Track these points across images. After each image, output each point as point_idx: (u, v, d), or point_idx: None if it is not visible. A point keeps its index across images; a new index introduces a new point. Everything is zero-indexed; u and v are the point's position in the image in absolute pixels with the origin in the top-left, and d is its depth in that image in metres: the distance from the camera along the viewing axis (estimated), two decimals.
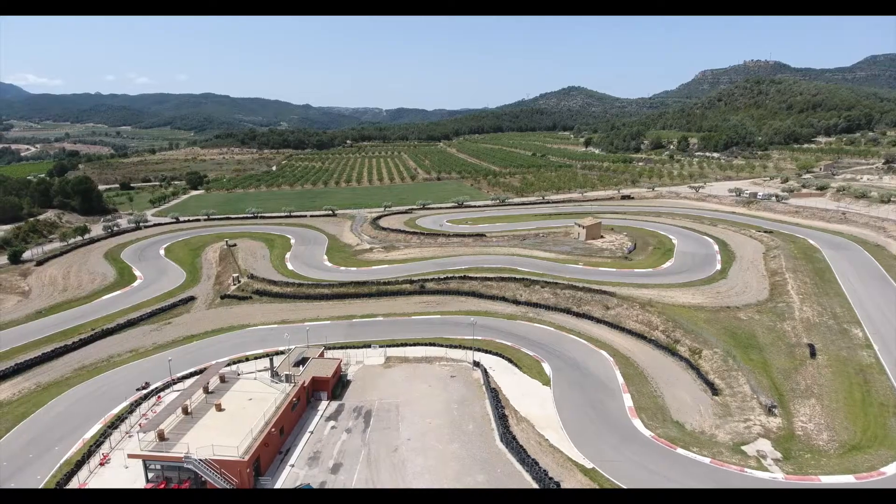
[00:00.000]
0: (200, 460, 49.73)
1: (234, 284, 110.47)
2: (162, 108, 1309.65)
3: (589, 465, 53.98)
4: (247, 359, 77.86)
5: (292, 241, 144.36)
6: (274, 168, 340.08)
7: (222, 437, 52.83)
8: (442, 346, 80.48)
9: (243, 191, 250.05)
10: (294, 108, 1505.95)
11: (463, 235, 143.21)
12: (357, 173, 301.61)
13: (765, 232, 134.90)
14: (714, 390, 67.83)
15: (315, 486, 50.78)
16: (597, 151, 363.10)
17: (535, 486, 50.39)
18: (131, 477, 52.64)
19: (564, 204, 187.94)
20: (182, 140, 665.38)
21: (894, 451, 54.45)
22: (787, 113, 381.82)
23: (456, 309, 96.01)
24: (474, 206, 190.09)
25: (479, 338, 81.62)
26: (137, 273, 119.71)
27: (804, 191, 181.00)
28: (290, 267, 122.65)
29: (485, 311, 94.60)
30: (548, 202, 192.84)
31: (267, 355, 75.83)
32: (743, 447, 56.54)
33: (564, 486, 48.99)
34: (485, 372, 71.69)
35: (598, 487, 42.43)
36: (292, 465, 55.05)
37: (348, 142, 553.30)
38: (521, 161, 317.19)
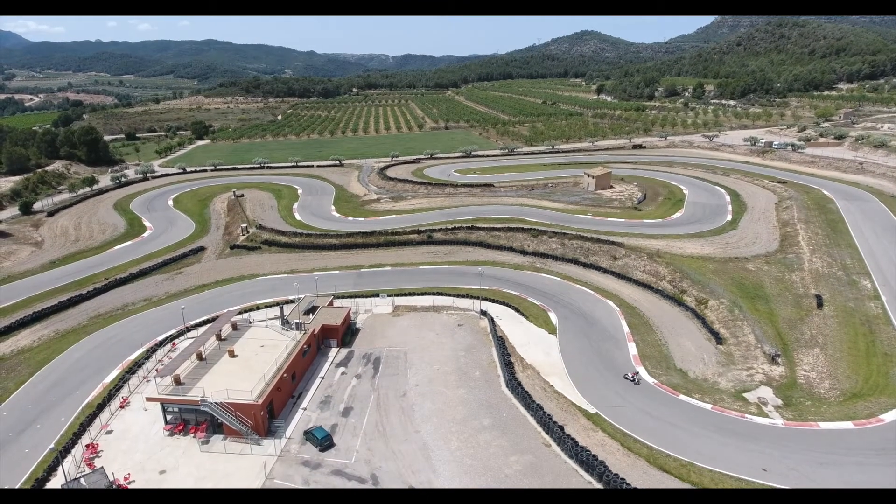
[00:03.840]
0: (216, 403, 51.55)
1: (243, 235, 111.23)
2: (164, 55, 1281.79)
3: (592, 409, 55.47)
4: (257, 307, 79.32)
5: (300, 192, 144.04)
6: (279, 117, 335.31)
7: (236, 381, 54.58)
8: (449, 295, 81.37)
9: (249, 141, 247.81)
10: (298, 54, 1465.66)
11: (471, 185, 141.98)
12: (364, 122, 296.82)
13: (778, 182, 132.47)
14: (719, 339, 68.56)
15: (327, 428, 52.66)
16: (609, 99, 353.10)
17: (539, 429, 52.03)
18: (150, 419, 54.90)
19: (574, 153, 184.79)
20: (185, 89, 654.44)
21: (894, 400, 55.27)
22: (810, 58, 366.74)
23: (463, 259, 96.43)
24: (483, 156, 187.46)
25: (487, 287, 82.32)
26: (147, 224, 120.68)
27: (821, 140, 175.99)
28: (298, 217, 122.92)
29: (492, 261, 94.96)
30: (557, 152, 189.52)
31: (277, 304, 77.37)
32: (745, 394, 57.60)
33: (568, 429, 50.47)
34: (492, 321, 72.62)
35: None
36: (304, 409, 57.01)
37: (354, 90, 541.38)
38: (530, 109, 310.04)
